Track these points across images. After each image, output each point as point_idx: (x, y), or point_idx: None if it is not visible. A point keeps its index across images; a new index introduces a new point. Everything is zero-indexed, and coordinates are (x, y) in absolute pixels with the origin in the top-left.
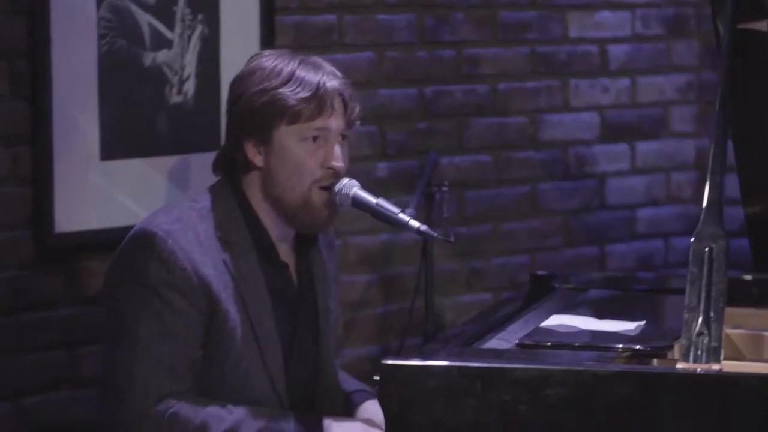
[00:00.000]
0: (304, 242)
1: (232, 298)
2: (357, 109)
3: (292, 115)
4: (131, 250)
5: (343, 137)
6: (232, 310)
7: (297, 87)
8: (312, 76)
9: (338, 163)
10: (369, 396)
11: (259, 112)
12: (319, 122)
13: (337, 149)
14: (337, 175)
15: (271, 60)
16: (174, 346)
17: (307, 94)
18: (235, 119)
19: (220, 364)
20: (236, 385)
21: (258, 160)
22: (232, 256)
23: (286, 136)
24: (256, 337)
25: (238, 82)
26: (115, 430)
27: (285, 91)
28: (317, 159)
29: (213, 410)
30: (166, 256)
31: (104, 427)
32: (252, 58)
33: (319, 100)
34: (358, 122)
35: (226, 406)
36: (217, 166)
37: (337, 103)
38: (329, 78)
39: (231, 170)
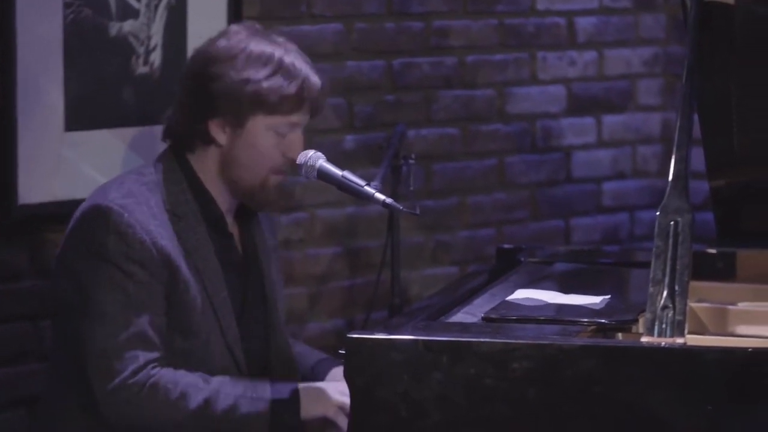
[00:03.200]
0: (246, 214)
1: (188, 269)
2: (324, 103)
3: (273, 108)
4: (87, 226)
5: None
6: (190, 279)
7: (283, 82)
8: (297, 72)
9: (298, 155)
10: (334, 363)
11: (238, 100)
12: (295, 117)
13: (300, 141)
14: (292, 163)
15: (254, 43)
16: (141, 315)
17: (291, 92)
18: (208, 97)
19: (183, 334)
20: (197, 354)
21: (221, 138)
22: (183, 229)
23: (261, 125)
24: (213, 307)
25: (216, 61)
26: (94, 406)
27: (270, 84)
28: (281, 149)
29: (191, 379)
30: (123, 230)
31: (61, 395)
32: (226, 33)
33: (301, 97)
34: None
35: (204, 377)
36: (168, 134)
37: (315, 100)
38: (312, 74)
39: (181, 140)
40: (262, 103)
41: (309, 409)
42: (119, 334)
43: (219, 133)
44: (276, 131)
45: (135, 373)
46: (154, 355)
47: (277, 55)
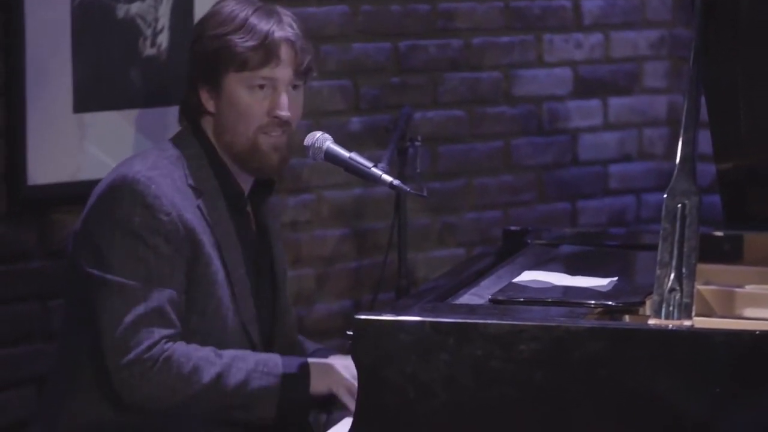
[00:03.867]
0: (259, 195)
1: (210, 244)
2: (307, 59)
3: (240, 62)
4: (114, 196)
5: (294, 87)
6: (213, 255)
7: (246, 35)
8: (263, 25)
9: (283, 112)
10: (330, 352)
11: (210, 58)
12: (265, 71)
13: (284, 98)
14: (283, 124)
15: (230, 6)
16: (162, 290)
17: (254, 43)
18: (191, 62)
19: (201, 311)
20: (213, 331)
21: (210, 105)
22: (204, 204)
23: (235, 82)
24: (231, 283)
25: (198, 24)
26: (105, 382)
27: (234, 38)
28: (263, 107)
29: (204, 354)
30: (150, 201)
31: (71, 374)
32: (217, 2)
33: (266, 49)
34: (312, 73)
35: (216, 351)
36: (180, 111)
37: (285, 53)
38: (279, 27)
39: (190, 115)
40: (230, 57)
41: (317, 385)
42: (137, 308)
43: (207, 100)
44: (250, 87)
45: (149, 348)
46: (170, 331)
47: (243, 14)
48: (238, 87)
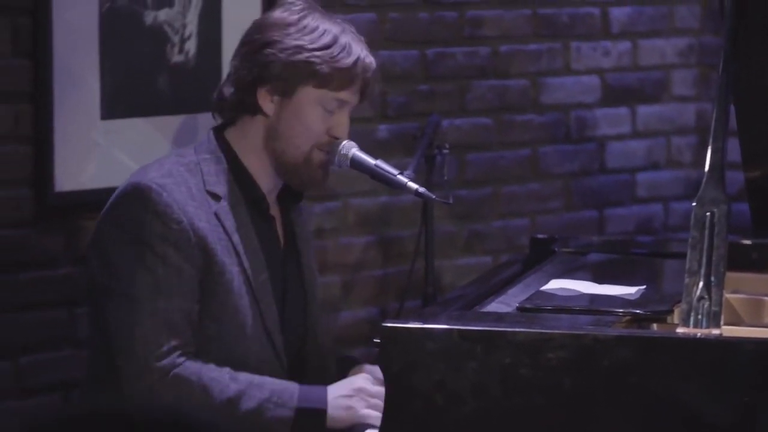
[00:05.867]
0: (288, 200)
1: (226, 251)
2: (376, 90)
3: (323, 80)
4: (125, 204)
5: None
6: (228, 262)
7: (338, 55)
8: (354, 48)
9: (344, 134)
10: (356, 361)
11: (290, 67)
12: (344, 94)
13: (346, 121)
14: (336, 143)
15: (313, 18)
16: (169, 301)
17: (344, 66)
18: (261, 64)
19: (217, 319)
20: (231, 340)
21: (269, 108)
22: (222, 209)
23: (309, 96)
24: (252, 289)
25: (273, 27)
26: (118, 384)
27: (324, 55)
28: (326, 125)
29: (217, 375)
30: (162, 210)
31: (96, 382)
32: (284, 4)
33: (353, 74)
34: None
35: (231, 374)
36: (218, 104)
37: (365, 81)
38: (367, 55)
39: (226, 114)
40: (314, 73)
41: (336, 419)
42: (145, 319)
43: (267, 102)
44: (324, 106)
45: (159, 358)
46: (178, 342)
47: (334, 31)
48: (311, 102)
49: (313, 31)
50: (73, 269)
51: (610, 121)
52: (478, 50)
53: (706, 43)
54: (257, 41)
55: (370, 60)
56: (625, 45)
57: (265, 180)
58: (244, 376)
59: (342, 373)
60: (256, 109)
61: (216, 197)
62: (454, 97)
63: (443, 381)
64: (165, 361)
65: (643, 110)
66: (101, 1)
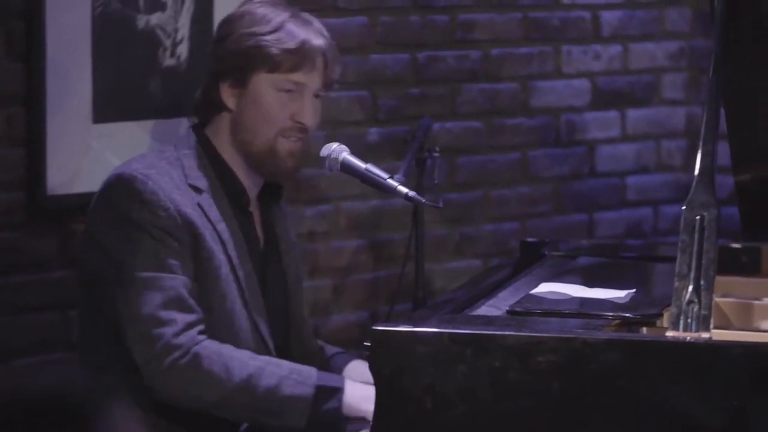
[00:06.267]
0: (268, 199)
1: (212, 239)
2: (337, 72)
3: (273, 63)
4: (112, 195)
5: (317, 96)
6: (215, 249)
7: (283, 38)
8: (300, 31)
9: (308, 119)
10: (351, 357)
11: (241, 55)
12: (297, 76)
13: (309, 106)
14: (303, 130)
15: (264, 8)
16: (174, 278)
17: (291, 47)
18: (217, 58)
19: (208, 306)
20: (222, 326)
21: (231, 102)
22: (206, 201)
23: (264, 82)
24: (238, 278)
25: (227, 22)
26: (136, 375)
27: (271, 39)
28: (288, 111)
29: (237, 354)
30: (148, 197)
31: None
32: (244, 2)
33: (301, 54)
34: (335, 85)
35: (250, 354)
36: (194, 107)
37: (319, 62)
38: (316, 36)
39: (204, 111)
40: (264, 57)
41: (352, 406)
42: (155, 299)
43: (228, 96)
44: (278, 89)
45: (176, 335)
46: (193, 317)
47: (282, 16)
48: (267, 87)
49: (261, 18)
50: (67, 272)
51: (601, 124)
52: (469, 54)
53: (696, 47)
54: (215, 39)
55: (318, 40)
56: (615, 48)
57: (243, 175)
58: (263, 356)
59: (336, 367)
60: (221, 106)
61: (197, 190)
62: (445, 100)
63: (433, 384)
64: (182, 338)
65: (634, 114)
66: (94, 5)
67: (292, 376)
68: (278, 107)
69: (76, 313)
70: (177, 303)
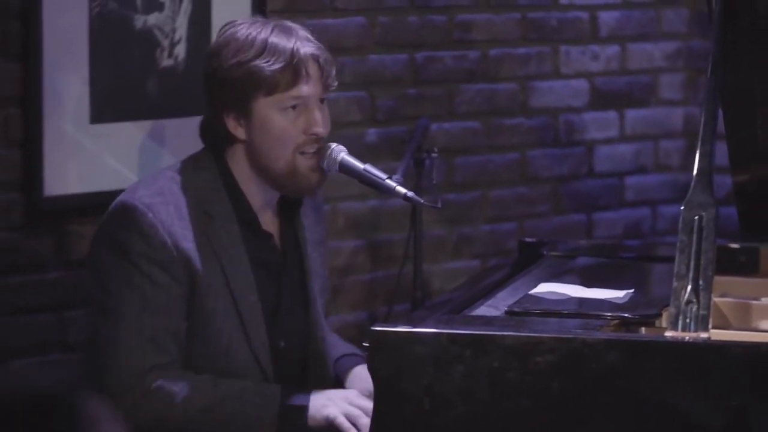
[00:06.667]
0: (289, 207)
1: (213, 272)
2: (333, 72)
3: (269, 86)
4: (112, 223)
5: (322, 100)
6: (214, 284)
7: (271, 57)
8: (285, 44)
9: (320, 128)
10: (358, 361)
11: (236, 86)
12: (296, 91)
13: (318, 115)
14: (319, 140)
15: (243, 29)
16: (155, 319)
17: (281, 65)
18: (213, 93)
19: (202, 337)
20: (218, 357)
21: (239, 132)
22: (214, 228)
23: (266, 107)
24: (238, 311)
25: (213, 55)
26: (102, 395)
27: (260, 63)
28: (299, 127)
29: (199, 384)
30: (146, 230)
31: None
32: (224, 28)
33: (293, 68)
34: (335, 84)
35: (212, 381)
36: (202, 137)
37: (313, 69)
38: (302, 44)
39: (215, 141)
40: (258, 82)
41: (315, 417)
42: (131, 337)
43: (236, 127)
44: (283, 109)
45: (140, 376)
46: (163, 360)
47: (262, 36)
48: (270, 111)
49: (244, 42)
50: (63, 273)
51: (599, 124)
52: (467, 54)
53: (694, 47)
54: (206, 74)
55: (306, 48)
56: (613, 49)
57: (260, 195)
58: (227, 382)
59: (338, 376)
60: (232, 139)
61: (208, 216)
62: (443, 100)
63: (432, 385)
64: (146, 378)
65: (632, 114)
66: (91, 5)
67: (255, 399)
68: (288, 126)
69: (72, 315)
70: (151, 345)
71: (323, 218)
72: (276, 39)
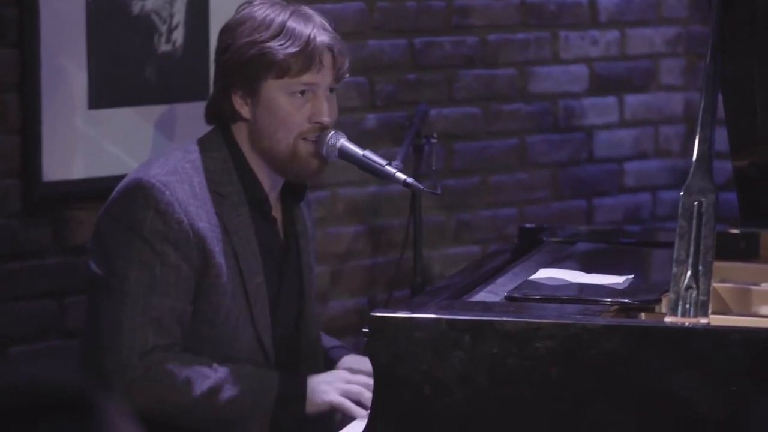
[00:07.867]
0: (289, 197)
1: (224, 253)
2: (346, 64)
3: (280, 69)
4: (128, 199)
5: (331, 90)
6: (225, 264)
7: (286, 41)
8: (302, 30)
9: (326, 117)
10: (346, 351)
11: (247, 65)
12: (307, 77)
13: (325, 104)
14: (323, 129)
15: (262, 10)
16: (162, 300)
17: (296, 49)
18: (223, 69)
19: (211, 320)
20: (224, 340)
21: (245, 111)
22: (225, 209)
23: (274, 89)
24: (246, 292)
25: (228, 31)
26: (99, 377)
27: (274, 44)
28: (304, 113)
29: (198, 367)
30: (163, 208)
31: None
32: (242, 5)
33: (307, 55)
34: (347, 75)
35: (211, 365)
36: (208, 116)
37: (326, 59)
38: (319, 32)
39: (221, 120)
40: (270, 64)
41: (313, 402)
42: (135, 316)
43: (242, 106)
44: (291, 93)
45: (142, 356)
46: (165, 341)
47: (280, 19)
48: (278, 93)
49: (261, 22)
50: (62, 259)
51: (598, 110)
52: (465, 39)
53: (693, 33)
54: (218, 49)
55: (322, 36)
56: (613, 34)
57: (267, 178)
58: (225, 367)
59: (329, 367)
60: (237, 116)
61: (219, 196)
62: (442, 86)
63: (431, 370)
64: (147, 359)
65: (631, 99)
66: None
67: (253, 385)
68: (293, 111)
69: (72, 301)
70: (155, 325)
71: (312, 214)
72: (293, 23)
